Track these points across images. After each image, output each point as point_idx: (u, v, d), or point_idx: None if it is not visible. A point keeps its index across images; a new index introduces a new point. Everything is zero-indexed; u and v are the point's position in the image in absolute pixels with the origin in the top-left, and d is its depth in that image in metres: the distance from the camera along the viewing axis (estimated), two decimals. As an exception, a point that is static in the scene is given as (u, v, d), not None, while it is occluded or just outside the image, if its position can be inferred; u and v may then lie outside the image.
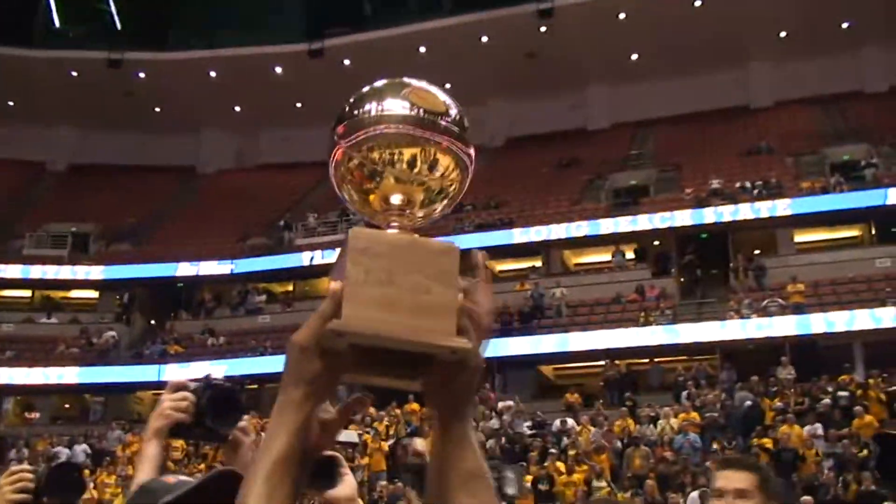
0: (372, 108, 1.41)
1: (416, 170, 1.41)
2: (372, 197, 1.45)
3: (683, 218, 30.77)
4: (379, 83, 1.45)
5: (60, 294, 37.29)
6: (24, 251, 36.86)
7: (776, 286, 27.82)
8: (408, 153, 1.40)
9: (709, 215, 30.51)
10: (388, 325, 1.30)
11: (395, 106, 1.40)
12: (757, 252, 30.22)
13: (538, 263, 32.69)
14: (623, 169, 36.36)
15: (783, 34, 37.62)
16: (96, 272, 35.82)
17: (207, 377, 2.51)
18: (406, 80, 1.45)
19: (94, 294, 36.91)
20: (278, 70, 40.27)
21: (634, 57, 39.46)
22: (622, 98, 40.21)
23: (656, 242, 31.96)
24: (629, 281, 30.22)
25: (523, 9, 38.04)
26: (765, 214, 29.83)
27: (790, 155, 33.74)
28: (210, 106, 42.62)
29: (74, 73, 41.32)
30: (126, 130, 42.93)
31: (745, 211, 30.08)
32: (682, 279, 30.86)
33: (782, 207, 29.64)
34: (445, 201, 1.49)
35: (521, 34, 38.09)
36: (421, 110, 1.40)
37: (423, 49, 38.28)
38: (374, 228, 1.44)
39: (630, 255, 32.28)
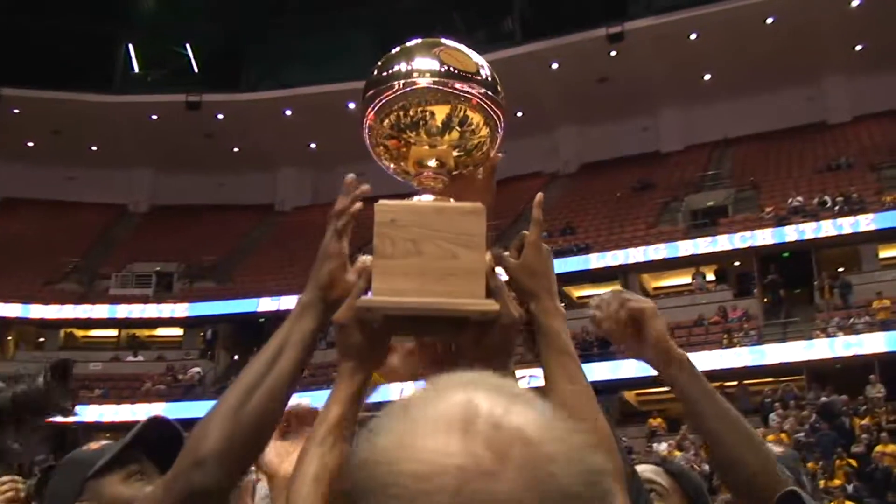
0: (401, 66, 1.41)
1: (447, 128, 1.41)
2: (406, 160, 1.47)
3: (764, 237, 30.30)
4: (409, 43, 1.45)
5: (146, 332, 38.06)
6: (111, 291, 37.72)
7: (861, 303, 27.23)
8: (438, 112, 1.40)
9: (790, 233, 30.00)
10: (416, 295, 1.35)
11: (425, 64, 1.40)
12: (841, 269, 29.63)
13: (617, 288, 32.36)
14: (699, 190, 35.97)
15: (858, 47, 36.98)
16: (181, 310, 36.49)
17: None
18: (438, 39, 1.46)
19: (178, 331, 37.60)
20: (351, 106, 40.76)
21: (707, 77, 39.10)
22: (696, 119, 39.82)
23: (737, 263, 31.50)
24: (711, 303, 29.83)
25: (593, 34, 37.95)
26: (847, 230, 29.17)
27: (871, 169, 33.03)
28: (286, 144, 43.34)
29: (154, 117, 42.32)
30: (205, 171, 43.84)
31: (827, 228, 29.47)
32: (765, 299, 30.32)
33: (865, 223, 28.97)
34: (478, 157, 1.49)
35: (591, 59, 38.03)
36: (451, 68, 1.40)
37: (494, 78, 38.38)
38: (405, 195, 1.48)
39: (710, 276, 31.88)
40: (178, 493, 1.37)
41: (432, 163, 1.45)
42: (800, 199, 31.28)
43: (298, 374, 1.46)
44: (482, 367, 1.40)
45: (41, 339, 36.97)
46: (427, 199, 1.46)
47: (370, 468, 0.76)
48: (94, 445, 2.14)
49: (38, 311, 35.82)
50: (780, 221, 30.58)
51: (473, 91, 1.40)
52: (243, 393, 1.42)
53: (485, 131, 1.44)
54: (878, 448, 19.69)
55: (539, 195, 1.76)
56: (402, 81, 1.40)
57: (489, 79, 1.43)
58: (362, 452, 0.79)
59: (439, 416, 0.77)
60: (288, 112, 42.36)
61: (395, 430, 0.78)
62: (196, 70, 44.53)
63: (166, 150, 43.23)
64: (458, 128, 1.41)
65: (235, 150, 43.95)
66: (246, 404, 1.40)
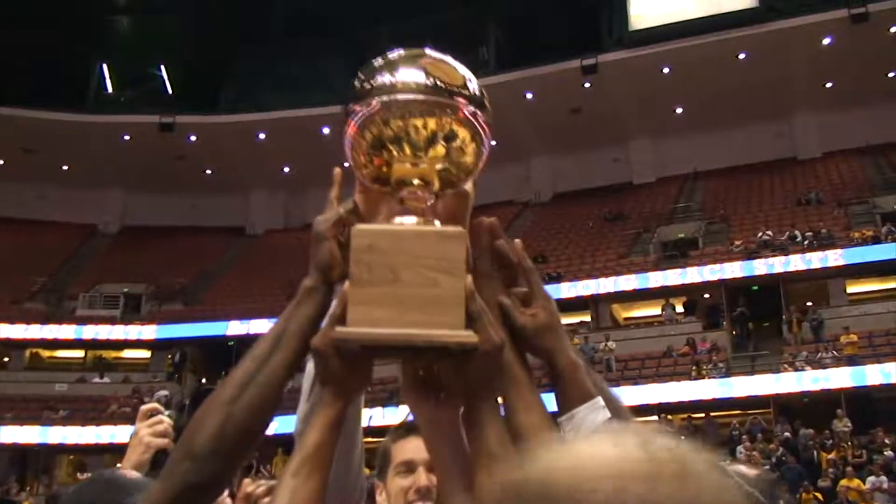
0: (385, 78, 1.37)
1: (431, 143, 1.36)
2: (388, 177, 1.41)
3: (734, 270, 30.49)
4: (392, 54, 1.41)
5: (113, 354, 37.62)
6: (78, 312, 37.29)
7: (829, 337, 27.43)
8: (423, 125, 1.35)
9: (759, 267, 30.20)
10: (393, 325, 1.30)
11: (410, 76, 1.36)
12: (809, 304, 29.83)
13: (587, 318, 32.47)
14: (670, 222, 36.20)
15: (829, 84, 37.43)
16: (148, 332, 36.14)
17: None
18: (423, 50, 1.43)
19: (146, 353, 37.19)
20: (326, 131, 40.73)
21: (679, 110, 39.44)
22: (667, 151, 40.16)
23: (706, 295, 31.65)
24: (680, 334, 29.93)
25: (567, 65, 38.20)
26: (816, 265, 29.43)
27: (840, 205, 33.39)
28: (259, 167, 43.25)
29: (127, 137, 42.07)
30: (177, 192, 43.65)
31: (796, 262, 29.70)
32: (733, 332, 30.46)
33: (833, 258, 29.23)
34: (463, 177, 1.45)
35: (565, 90, 38.28)
36: (437, 80, 1.36)
37: (468, 106, 38.49)
38: (386, 215, 1.44)
39: (680, 308, 32.01)
40: (173, 487, 1.36)
41: (415, 181, 1.40)
42: (769, 233, 31.54)
43: (296, 365, 1.43)
44: (467, 397, 1.40)
45: (6, 359, 36.47)
46: (409, 220, 1.40)
47: (523, 485, 0.82)
48: (130, 474, 2.11)
49: (3, 330, 35.28)
50: (750, 255, 30.79)
51: (460, 104, 1.36)
52: (238, 385, 1.40)
53: (471, 147, 1.40)
54: (843, 482, 19.78)
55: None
56: (385, 94, 1.36)
57: (476, 93, 1.39)
58: (519, 475, 0.85)
59: (592, 441, 0.85)
60: (262, 135, 42.27)
61: (552, 454, 0.85)
62: (170, 92, 44.39)
63: (138, 171, 42.96)
64: (443, 143, 1.37)
65: (208, 172, 43.78)
66: (240, 397, 1.38)
